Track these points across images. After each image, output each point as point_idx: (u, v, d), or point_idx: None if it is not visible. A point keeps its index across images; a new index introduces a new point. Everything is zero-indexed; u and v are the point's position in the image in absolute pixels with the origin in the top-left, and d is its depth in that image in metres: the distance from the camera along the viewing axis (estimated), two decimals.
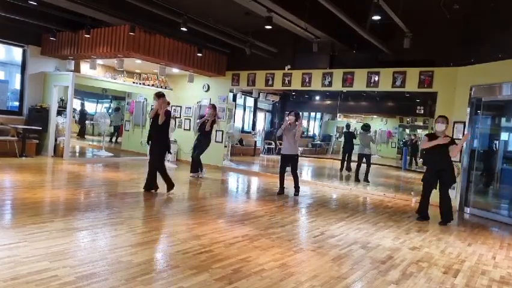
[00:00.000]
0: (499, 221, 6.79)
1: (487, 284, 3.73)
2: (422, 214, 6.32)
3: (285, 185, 7.65)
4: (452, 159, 6.09)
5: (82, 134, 16.26)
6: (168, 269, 3.39)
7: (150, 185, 6.57)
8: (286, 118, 7.48)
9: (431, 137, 6.17)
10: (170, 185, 6.63)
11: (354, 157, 11.93)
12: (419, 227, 5.84)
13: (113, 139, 15.17)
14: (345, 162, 11.94)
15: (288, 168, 7.58)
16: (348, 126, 12.57)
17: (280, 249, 4.18)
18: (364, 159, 10.27)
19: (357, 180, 10.27)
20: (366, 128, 10.51)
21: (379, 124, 17.14)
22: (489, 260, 4.49)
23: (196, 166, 8.85)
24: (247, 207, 6.38)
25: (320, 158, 16.17)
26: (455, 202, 7.43)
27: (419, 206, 6.42)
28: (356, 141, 11.85)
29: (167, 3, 7.49)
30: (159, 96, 6.47)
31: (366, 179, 10.27)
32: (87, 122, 16.16)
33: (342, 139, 18.45)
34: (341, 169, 11.95)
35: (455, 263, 4.27)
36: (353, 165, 11.96)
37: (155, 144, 6.55)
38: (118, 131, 15.12)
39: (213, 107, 8.98)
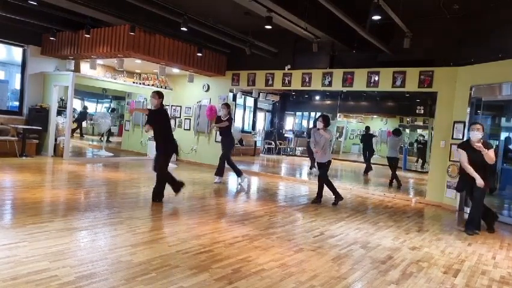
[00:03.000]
0: (499, 220, 6.77)
1: (487, 284, 3.72)
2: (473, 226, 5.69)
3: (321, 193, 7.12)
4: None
5: (80, 134, 16.34)
6: (168, 269, 3.38)
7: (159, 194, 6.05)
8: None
9: (465, 147, 5.60)
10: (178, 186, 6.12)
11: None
12: (419, 227, 5.84)
13: (107, 138, 15.24)
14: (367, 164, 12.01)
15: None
16: (367, 128, 12.57)
17: (280, 249, 4.18)
18: (393, 163, 10.07)
19: (395, 184, 9.93)
20: (397, 132, 10.40)
21: (379, 124, 17.17)
22: (489, 260, 4.49)
23: (220, 170, 8.34)
24: (247, 207, 6.38)
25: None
26: (455, 202, 7.44)
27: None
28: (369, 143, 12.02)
29: (168, 3, 7.49)
30: (161, 96, 6.00)
31: (399, 184, 9.91)
32: (88, 122, 16.25)
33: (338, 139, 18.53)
34: (367, 172, 11.97)
35: (455, 262, 4.27)
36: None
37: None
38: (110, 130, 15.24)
39: (227, 105, 8.47)
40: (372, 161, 12.10)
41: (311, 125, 19.52)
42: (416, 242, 4.97)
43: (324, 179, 7.01)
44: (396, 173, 10.00)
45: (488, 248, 4.97)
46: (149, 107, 6.05)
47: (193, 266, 3.47)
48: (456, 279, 3.76)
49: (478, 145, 5.34)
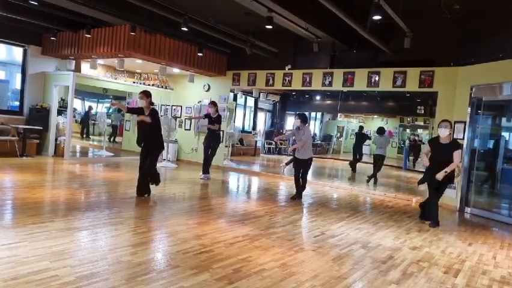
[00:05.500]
0: (500, 220, 6.78)
1: (487, 283, 3.72)
2: (429, 218, 6.02)
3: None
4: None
5: (87, 134, 16.35)
6: (168, 269, 3.39)
7: (147, 189, 6.28)
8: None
9: (433, 142, 5.95)
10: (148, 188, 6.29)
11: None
12: (419, 227, 5.84)
13: (112, 138, 15.23)
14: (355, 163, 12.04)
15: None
16: (361, 128, 12.64)
17: (281, 249, 4.18)
18: (379, 160, 10.21)
19: (371, 180, 10.11)
20: (381, 130, 10.41)
21: (379, 124, 17.17)
22: (490, 259, 4.49)
23: (207, 167, 8.71)
24: (247, 207, 6.38)
25: (321, 158, 16.18)
26: (456, 202, 7.44)
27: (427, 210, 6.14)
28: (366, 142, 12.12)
29: (168, 3, 7.49)
30: (149, 95, 6.09)
31: (375, 180, 10.15)
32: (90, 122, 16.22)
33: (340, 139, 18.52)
34: (354, 170, 12.05)
35: (455, 262, 4.26)
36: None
37: (152, 144, 6.20)
38: (116, 130, 15.21)
39: (214, 104, 8.77)
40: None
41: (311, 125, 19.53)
42: (416, 242, 4.97)
43: (305, 177, 7.20)
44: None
45: (488, 248, 4.96)
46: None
47: (194, 266, 3.47)
48: (456, 279, 3.76)
49: (440, 176, 5.63)
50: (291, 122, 19.88)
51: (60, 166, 8.89)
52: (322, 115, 19.21)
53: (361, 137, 12.16)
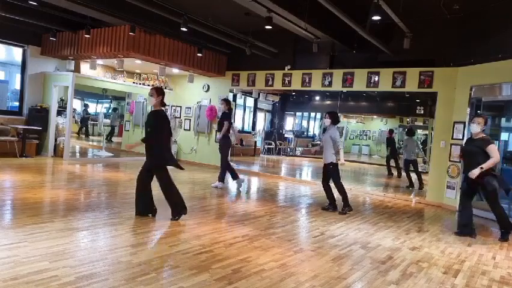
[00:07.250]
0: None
1: (487, 284, 3.72)
2: (460, 229, 5.54)
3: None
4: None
5: (86, 134, 16.42)
6: (168, 269, 3.39)
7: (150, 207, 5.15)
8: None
9: (467, 142, 5.60)
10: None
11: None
12: (419, 227, 5.84)
13: (109, 137, 15.30)
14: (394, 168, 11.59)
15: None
16: (391, 131, 12.04)
17: (280, 250, 4.18)
18: (411, 166, 9.83)
19: (411, 186, 9.71)
20: (411, 133, 10.15)
21: (379, 124, 17.19)
22: (489, 260, 4.49)
23: (233, 173, 8.04)
24: (247, 207, 6.38)
25: (320, 158, 16.14)
26: (455, 202, 7.44)
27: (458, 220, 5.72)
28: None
29: (168, 3, 7.49)
30: (160, 93, 5.29)
31: (421, 187, 9.60)
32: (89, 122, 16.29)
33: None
34: (399, 176, 11.46)
35: (455, 263, 4.27)
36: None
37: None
38: (114, 130, 15.28)
39: (227, 101, 8.01)
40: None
41: (312, 125, 19.55)
42: (416, 242, 4.97)
43: (324, 183, 6.66)
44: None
45: (488, 248, 4.96)
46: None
47: (193, 266, 3.47)
48: (456, 280, 3.76)
49: (476, 173, 5.10)
50: (290, 122, 19.91)
51: (60, 166, 8.89)
52: (321, 115, 19.20)
53: (393, 142, 11.45)
